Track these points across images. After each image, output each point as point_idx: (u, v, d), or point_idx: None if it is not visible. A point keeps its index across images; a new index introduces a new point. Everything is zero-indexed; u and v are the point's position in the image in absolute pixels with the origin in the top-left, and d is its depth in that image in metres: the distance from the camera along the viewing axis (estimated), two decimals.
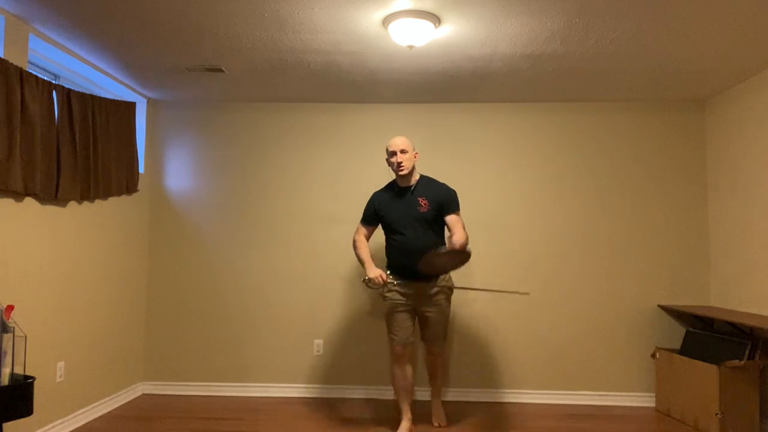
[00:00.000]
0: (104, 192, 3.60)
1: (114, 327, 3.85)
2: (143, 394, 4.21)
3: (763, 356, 3.40)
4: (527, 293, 4.11)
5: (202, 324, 4.27)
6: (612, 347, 4.13)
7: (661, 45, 3.11)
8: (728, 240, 3.90)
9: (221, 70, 3.61)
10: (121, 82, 3.89)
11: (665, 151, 4.21)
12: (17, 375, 2.53)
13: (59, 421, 3.26)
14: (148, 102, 4.29)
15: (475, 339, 4.17)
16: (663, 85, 3.83)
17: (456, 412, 3.83)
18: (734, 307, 3.81)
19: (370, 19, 2.83)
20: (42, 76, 2.99)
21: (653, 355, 4.01)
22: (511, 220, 4.22)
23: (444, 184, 3.32)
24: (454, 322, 4.16)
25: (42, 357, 3.09)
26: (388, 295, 3.28)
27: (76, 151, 3.27)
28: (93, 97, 3.44)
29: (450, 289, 3.32)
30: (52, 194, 3.09)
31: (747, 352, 3.39)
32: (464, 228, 3.20)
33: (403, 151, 3.20)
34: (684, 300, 4.12)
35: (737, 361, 3.38)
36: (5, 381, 2.39)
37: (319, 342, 4.24)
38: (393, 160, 3.22)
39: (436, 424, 3.52)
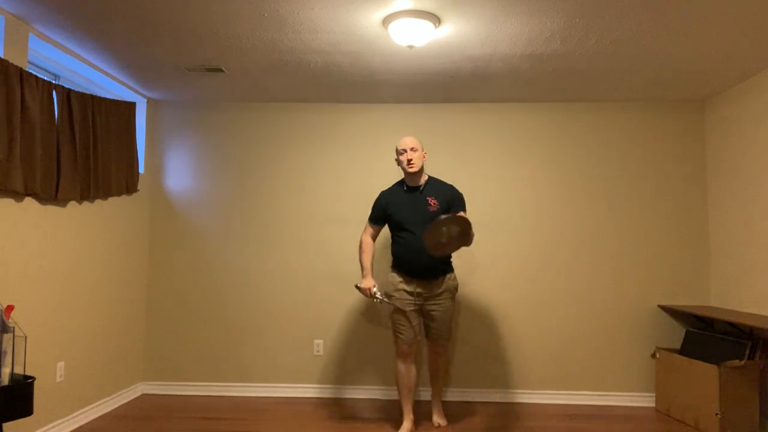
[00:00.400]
0: (104, 192, 3.60)
1: (114, 327, 3.85)
2: (143, 394, 4.21)
3: (763, 356, 3.40)
4: (496, 358, 4.12)
5: (202, 324, 4.27)
6: (612, 347, 4.13)
7: (662, 45, 3.11)
8: (728, 240, 3.90)
9: (221, 70, 3.61)
10: (121, 82, 3.89)
11: (665, 151, 4.21)
12: (17, 375, 2.53)
13: (59, 421, 3.26)
14: (148, 102, 4.29)
15: (475, 339, 4.17)
16: (663, 85, 3.83)
17: (456, 411, 3.83)
18: (734, 307, 3.81)
19: (370, 19, 2.83)
20: (42, 76, 2.99)
21: (653, 355, 4.01)
22: (510, 220, 4.22)
23: (452, 186, 3.37)
24: (455, 321, 4.16)
25: (42, 357, 3.09)
26: (395, 294, 3.28)
27: (76, 151, 3.27)
28: (93, 97, 3.44)
29: (455, 288, 3.34)
30: (52, 194, 3.09)
31: (747, 352, 3.39)
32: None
33: (413, 149, 3.22)
34: (684, 300, 4.12)
35: (737, 361, 3.38)
36: (5, 381, 2.39)
37: (319, 342, 4.24)
38: (403, 157, 3.24)
39: (436, 424, 3.51)
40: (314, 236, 4.29)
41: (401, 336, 3.27)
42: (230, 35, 3.05)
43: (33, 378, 2.49)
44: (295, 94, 4.14)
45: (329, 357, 4.23)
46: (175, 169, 4.38)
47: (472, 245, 4.20)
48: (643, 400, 4.08)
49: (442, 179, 4.02)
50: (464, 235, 2.96)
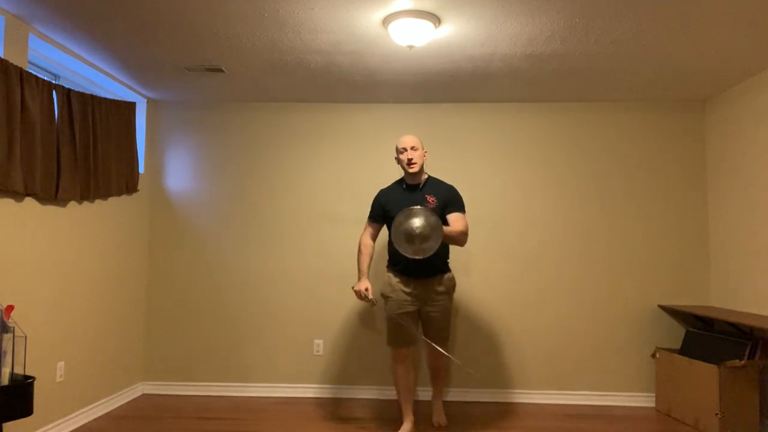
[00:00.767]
0: (104, 192, 3.60)
1: (114, 327, 3.85)
2: (143, 394, 4.21)
3: (763, 356, 3.40)
4: (476, 374, 4.12)
5: (202, 324, 4.27)
6: (612, 347, 4.13)
7: (662, 45, 3.11)
8: (728, 240, 3.90)
9: (221, 70, 3.61)
10: (121, 82, 3.89)
11: (665, 151, 4.21)
12: (17, 375, 2.52)
13: (59, 421, 3.26)
14: (148, 102, 4.29)
15: (475, 339, 4.17)
16: (663, 85, 3.83)
17: (456, 411, 3.83)
18: (734, 307, 3.81)
19: (370, 19, 2.83)
20: (42, 76, 2.99)
21: (653, 355, 4.01)
22: (510, 220, 4.22)
23: (450, 185, 3.34)
24: (454, 322, 4.16)
25: (42, 357, 3.09)
26: (391, 295, 3.25)
27: (76, 151, 3.27)
28: (93, 97, 3.44)
29: (453, 288, 3.33)
30: (52, 194, 3.09)
31: (747, 352, 3.39)
32: (467, 227, 3.20)
33: (413, 148, 3.21)
34: (684, 300, 4.12)
35: (737, 361, 3.37)
36: (5, 381, 2.39)
37: (319, 342, 4.24)
38: (403, 156, 3.22)
39: (436, 424, 3.51)
40: (314, 236, 4.29)
41: (397, 340, 3.23)
42: (230, 35, 3.05)
43: (33, 378, 2.49)
44: (295, 94, 4.14)
45: (329, 357, 4.23)
46: (175, 169, 4.38)
47: (473, 245, 4.20)
48: (643, 400, 4.08)
49: (441, 179, 4.02)
50: (429, 223, 2.96)
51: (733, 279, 3.83)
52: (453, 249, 3.77)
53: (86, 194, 3.40)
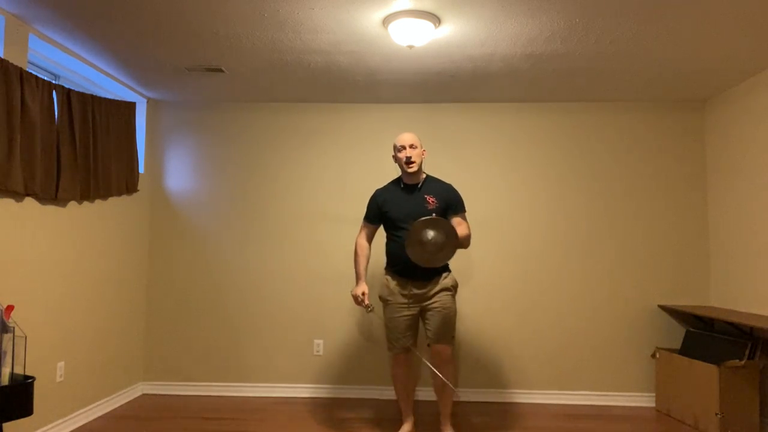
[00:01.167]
0: (104, 192, 3.60)
1: (114, 327, 3.85)
2: (143, 394, 4.21)
3: (763, 356, 3.40)
4: (458, 394, 4.07)
5: (202, 324, 4.27)
6: (612, 347, 4.13)
7: (662, 45, 3.11)
8: (728, 240, 3.90)
9: (221, 70, 3.61)
10: (121, 82, 3.89)
11: (665, 151, 4.21)
12: (17, 375, 2.52)
13: (59, 421, 3.26)
14: (148, 102, 4.29)
15: (475, 339, 4.17)
16: (663, 85, 3.83)
17: (456, 411, 3.83)
18: (734, 307, 3.81)
19: (370, 19, 2.83)
20: (42, 76, 2.99)
21: (653, 355, 4.01)
22: (510, 220, 4.22)
23: (450, 185, 3.25)
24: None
25: (42, 357, 3.09)
26: (389, 299, 3.13)
27: (76, 151, 3.27)
28: (93, 97, 3.44)
29: (454, 287, 3.15)
30: (52, 194, 3.08)
31: (747, 352, 3.39)
32: (469, 229, 3.14)
33: (412, 146, 3.10)
34: (684, 300, 4.12)
35: (737, 361, 3.38)
36: (5, 381, 2.39)
37: (319, 342, 4.24)
38: (401, 155, 3.11)
39: None
40: (314, 236, 4.29)
41: (396, 343, 3.13)
42: (230, 35, 3.05)
43: (33, 378, 2.49)
44: (295, 94, 4.14)
45: (329, 357, 4.23)
46: (175, 169, 4.38)
47: (472, 245, 4.19)
48: (643, 400, 4.08)
49: (440, 178, 4.00)
50: (449, 239, 2.86)
51: (733, 279, 3.83)
52: None
53: (86, 194, 3.40)
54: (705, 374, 3.48)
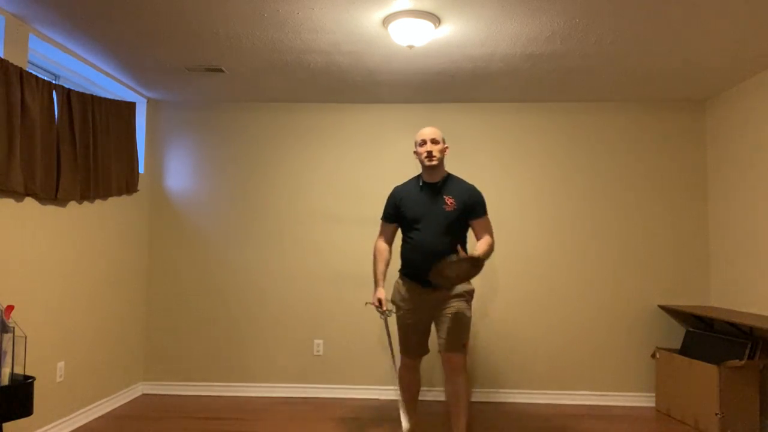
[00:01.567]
0: (104, 192, 3.60)
1: (114, 327, 3.85)
2: (143, 394, 4.21)
3: (763, 356, 3.40)
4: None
5: (202, 324, 4.27)
6: (612, 347, 4.13)
7: (662, 45, 3.11)
8: (728, 240, 3.90)
9: (221, 70, 3.61)
10: (121, 82, 3.89)
11: (665, 151, 4.21)
12: (17, 375, 2.53)
13: (59, 421, 3.26)
14: (148, 102, 4.29)
15: (474, 339, 4.17)
16: (663, 85, 3.83)
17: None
18: (734, 307, 3.81)
19: (370, 19, 2.83)
20: (42, 76, 2.99)
21: (653, 355, 4.01)
22: (510, 220, 4.22)
23: (472, 185, 3.02)
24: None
25: (42, 357, 3.09)
26: (401, 304, 2.97)
27: (76, 151, 3.27)
28: (93, 97, 3.44)
29: (469, 293, 2.92)
30: (52, 194, 3.08)
31: (747, 352, 3.39)
32: (492, 233, 2.96)
33: (434, 141, 2.92)
34: (684, 300, 4.12)
35: (737, 361, 3.37)
36: (5, 381, 2.39)
37: (319, 342, 4.24)
38: (422, 149, 2.93)
39: None
40: (314, 236, 4.29)
41: (408, 349, 3.00)
42: (230, 35, 3.05)
43: (33, 378, 2.49)
44: (295, 94, 4.14)
45: (329, 357, 4.23)
46: (175, 169, 4.38)
47: (471, 246, 4.19)
48: (643, 400, 4.08)
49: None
50: (474, 273, 2.72)
51: (733, 279, 3.83)
52: None
53: (86, 194, 3.40)
54: (705, 374, 3.48)
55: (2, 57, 2.75)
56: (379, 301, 2.93)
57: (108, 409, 3.77)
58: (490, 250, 2.90)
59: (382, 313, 2.92)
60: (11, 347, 2.44)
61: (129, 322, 4.06)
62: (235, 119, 4.39)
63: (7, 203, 2.81)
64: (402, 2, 2.62)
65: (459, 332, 2.85)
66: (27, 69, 2.95)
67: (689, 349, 3.83)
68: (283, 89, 4.04)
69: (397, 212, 3.04)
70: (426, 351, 3.04)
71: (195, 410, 3.82)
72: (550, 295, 4.18)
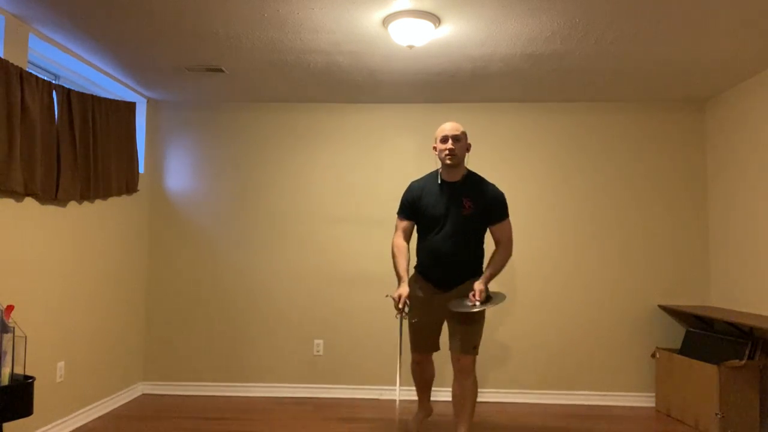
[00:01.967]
0: (104, 192, 3.60)
1: (114, 327, 3.85)
2: (143, 394, 4.21)
3: (763, 356, 3.40)
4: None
5: (202, 324, 4.27)
6: (612, 347, 4.13)
7: (661, 45, 3.11)
8: (728, 240, 3.90)
9: (221, 70, 3.61)
10: (121, 82, 3.89)
11: (665, 151, 4.21)
12: (17, 375, 2.52)
13: (59, 421, 3.26)
14: (148, 102, 4.29)
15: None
16: (663, 85, 3.83)
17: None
18: (734, 307, 3.81)
19: (370, 19, 2.83)
20: (42, 76, 2.99)
21: (653, 355, 4.01)
22: (510, 220, 4.22)
23: (493, 186, 2.89)
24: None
25: (42, 357, 3.09)
26: (413, 301, 2.94)
27: (76, 151, 3.27)
28: (93, 97, 3.44)
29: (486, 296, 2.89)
30: (52, 194, 3.08)
31: (747, 352, 3.39)
32: (508, 241, 2.89)
33: (455, 139, 2.79)
34: (684, 300, 4.12)
35: (737, 361, 3.37)
36: (5, 381, 2.38)
37: (319, 342, 4.24)
38: (443, 146, 2.80)
39: None
40: (314, 236, 4.29)
41: (419, 346, 3.01)
42: (230, 35, 3.05)
43: (33, 378, 2.49)
44: (295, 94, 4.14)
45: (329, 357, 4.23)
46: (175, 169, 4.38)
47: None
48: (643, 400, 4.08)
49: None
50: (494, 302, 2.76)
51: (733, 279, 3.83)
52: None
53: (86, 194, 3.40)
54: (705, 374, 3.48)
55: (2, 57, 2.75)
56: (399, 297, 2.77)
57: (108, 409, 3.77)
58: (500, 267, 2.86)
59: (400, 311, 2.77)
60: (11, 347, 2.44)
61: (129, 322, 4.06)
62: (235, 119, 4.39)
63: (7, 203, 2.81)
64: (402, 2, 2.62)
65: (472, 334, 2.80)
66: (27, 69, 2.95)
67: (689, 349, 3.83)
68: (283, 89, 4.04)
69: (414, 210, 2.93)
70: (437, 348, 3.03)
71: (195, 410, 3.82)
72: (550, 295, 4.18)
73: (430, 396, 3.18)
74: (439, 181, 2.90)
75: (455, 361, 2.82)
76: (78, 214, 3.42)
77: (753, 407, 3.38)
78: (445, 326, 3.49)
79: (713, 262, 4.09)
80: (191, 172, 4.37)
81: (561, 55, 3.28)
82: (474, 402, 2.83)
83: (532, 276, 4.19)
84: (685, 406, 3.65)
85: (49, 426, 3.17)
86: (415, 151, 4.29)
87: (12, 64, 2.73)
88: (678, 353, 3.81)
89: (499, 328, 4.18)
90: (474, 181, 2.89)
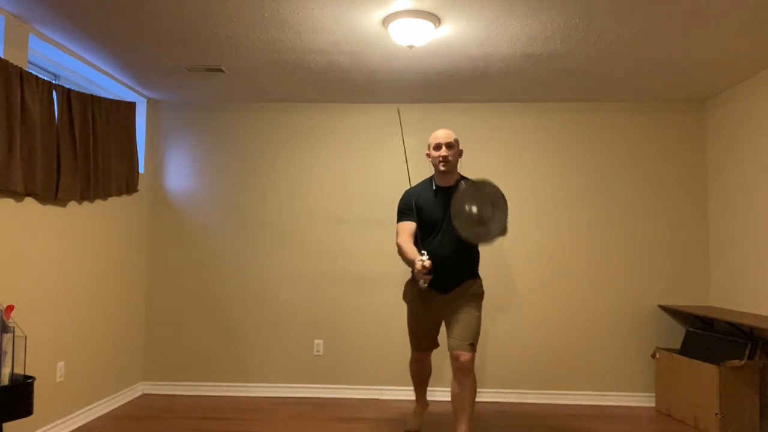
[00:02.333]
0: (104, 192, 3.60)
1: (114, 327, 3.85)
2: (143, 394, 4.21)
3: (763, 356, 3.40)
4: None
5: (202, 324, 4.27)
6: (612, 347, 4.13)
7: (661, 45, 3.11)
8: (728, 240, 3.90)
9: (221, 70, 3.61)
10: (121, 82, 3.89)
11: (665, 151, 4.21)
12: (17, 375, 2.52)
13: (59, 421, 3.26)
14: (148, 102, 4.29)
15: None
16: (663, 85, 3.83)
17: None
18: (734, 307, 3.81)
19: (370, 19, 2.83)
20: (42, 76, 2.99)
21: (653, 355, 4.01)
22: (509, 221, 4.22)
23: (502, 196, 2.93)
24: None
25: (42, 357, 3.09)
26: (411, 302, 3.07)
27: (76, 151, 3.27)
28: (93, 97, 3.44)
29: (479, 295, 2.96)
30: (52, 194, 3.08)
31: (747, 352, 3.39)
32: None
33: (448, 146, 2.89)
34: (684, 300, 4.12)
35: (737, 361, 3.37)
36: (5, 381, 2.39)
37: (319, 342, 4.24)
38: (437, 153, 2.90)
39: None
40: (314, 236, 4.29)
41: (419, 344, 3.17)
42: (230, 35, 3.05)
43: (33, 378, 2.49)
44: (295, 94, 4.14)
45: (329, 357, 4.23)
46: (175, 169, 4.38)
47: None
48: (643, 400, 4.08)
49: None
50: (497, 201, 2.67)
51: (733, 279, 3.83)
52: None
53: (86, 194, 3.40)
54: (705, 374, 3.48)
55: (2, 57, 2.75)
56: (420, 261, 2.69)
57: (108, 409, 3.77)
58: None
59: (422, 273, 2.69)
60: (11, 347, 2.44)
61: (129, 322, 4.06)
62: (235, 119, 4.39)
63: (7, 203, 2.81)
64: (402, 2, 2.62)
65: (468, 331, 2.83)
66: (27, 69, 2.95)
67: (689, 349, 3.83)
68: (283, 89, 4.04)
69: (417, 210, 2.96)
70: (435, 345, 3.19)
71: (195, 410, 3.82)
72: (550, 295, 4.18)
73: (426, 390, 3.40)
74: (434, 187, 2.99)
75: (454, 359, 2.83)
76: (78, 214, 3.42)
77: (753, 407, 3.38)
78: (443, 328, 3.53)
79: (713, 262, 4.09)
80: (191, 172, 4.37)
81: (561, 55, 3.28)
82: (473, 401, 2.85)
83: (532, 276, 4.19)
84: (685, 406, 3.65)
85: (49, 426, 3.17)
86: (415, 151, 4.29)
87: (12, 64, 2.73)
88: (678, 353, 3.81)
89: (499, 327, 4.18)
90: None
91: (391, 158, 4.31)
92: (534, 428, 3.52)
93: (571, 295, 4.17)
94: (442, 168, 2.91)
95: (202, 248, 4.32)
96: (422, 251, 2.78)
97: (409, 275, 3.08)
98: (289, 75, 3.71)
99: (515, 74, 3.64)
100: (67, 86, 3.24)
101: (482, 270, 4.17)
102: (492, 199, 2.71)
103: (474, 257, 3.01)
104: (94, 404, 3.62)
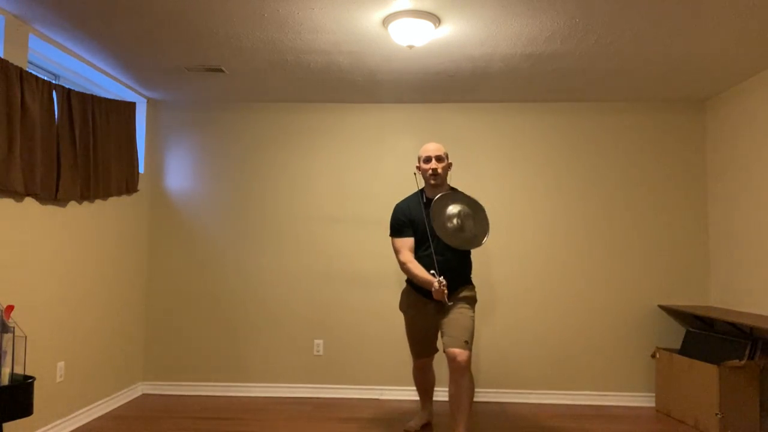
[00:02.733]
0: (104, 192, 3.60)
1: (114, 327, 3.85)
2: (143, 394, 4.21)
3: (763, 356, 3.40)
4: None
5: (202, 324, 4.27)
6: (612, 347, 4.13)
7: (661, 45, 3.11)
8: (728, 240, 3.90)
9: (221, 70, 3.61)
10: (121, 82, 3.89)
11: (665, 151, 4.21)
12: (17, 375, 2.52)
13: (59, 421, 3.26)
14: (148, 102, 4.29)
15: (474, 340, 4.17)
16: (663, 85, 3.83)
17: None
18: (734, 307, 3.81)
19: (370, 19, 2.83)
20: (42, 76, 2.99)
21: (653, 355, 4.01)
22: (510, 220, 4.22)
23: (476, 201, 3.06)
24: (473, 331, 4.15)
25: (42, 357, 3.09)
26: (408, 311, 3.16)
27: (76, 151, 3.27)
28: (93, 97, 3.44)
29: (472, 298, 3.04)
30: (52, 194, 3.08)
31: (747, 352, 3.39)
32: None
33: (439, 159, 2.99)
34: (684, 300, 4.12)
35: (737, 361, 3.38)
36: (5, 381, 2.38)
37: (319, 342, 4.24)
38: (427, 166, 3.00)
39: None
40: (314, 236, 4.29)
41: (419, 351, 3.26)
42: (230, 35, 3.05)
43: (33, 378, 2.49)
44: (295, 94, 4.14)
45: (329, 357, 4.23)
46: (175, 169, 4.38)
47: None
48: (643, 400, 4.08)
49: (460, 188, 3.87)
50: (476, 212, 2.86)
51: (733, 279, 3.83)
52: None
53: (86, 194, 3.40)
54: (705, 374, 3.48)
55: (2, 57, 2.75)
56: (439, 282, 2.79)
57: (108, 409, 3.77)
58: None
59: (441, 290, 2.79)
60: (11, 347, 2.44)
61: (129, 322, 4.06)
62: (235, 119, 4.39)
63: (7, 203, 2.81)
64: (402, 2, 2.62)
65: (462, 329, 2.86)
66: (27, 69, 2.94)
67: (689, 349, 3.83)
68: (283, 89, 4.04)
69: (410, 222, 3.04)
70: (435, 350, 3.29)
71: (195, 410, 3.82)
72: (550, 295, 4.18)
73: (431, 399, 3.46)
74: (424, 200, 3.07)
75: (450, 360, 2.83)
76: (78, 214, 3.42)
77: (753, 407, 3.38)
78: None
79: (713, 262, 4.09)
80: (191, 172, 4.37)
81: (561, 55, 3.28)
82: (471, 401, 2.85)
83: (532, 276, 4.19)
84: (685, 406, 3.65)
85: (49, 426, 3.17)
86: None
87: (12, 64, 2.73)
88: (678, 353, 3.81)
89: (498, 328, 4.18)
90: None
91: (391, 158, 4.31)
92: (534, 428, 3.52)
93: (571, 295, 4.17)
94: (432, 181, 3.01)
95: (202, 248, 4.32)
96: (431, 271, 2.90)
97: (404, 284, 3.21)
98: (289, 75, 3.71)
99: (515, 74, 3.64)
100: (67, 86, 3.24)
101: (482, 270, 4.17)
102: (462, 203, 2.88)
103: (467, 265, 3.10)
104: (94, 404, 3.62)
